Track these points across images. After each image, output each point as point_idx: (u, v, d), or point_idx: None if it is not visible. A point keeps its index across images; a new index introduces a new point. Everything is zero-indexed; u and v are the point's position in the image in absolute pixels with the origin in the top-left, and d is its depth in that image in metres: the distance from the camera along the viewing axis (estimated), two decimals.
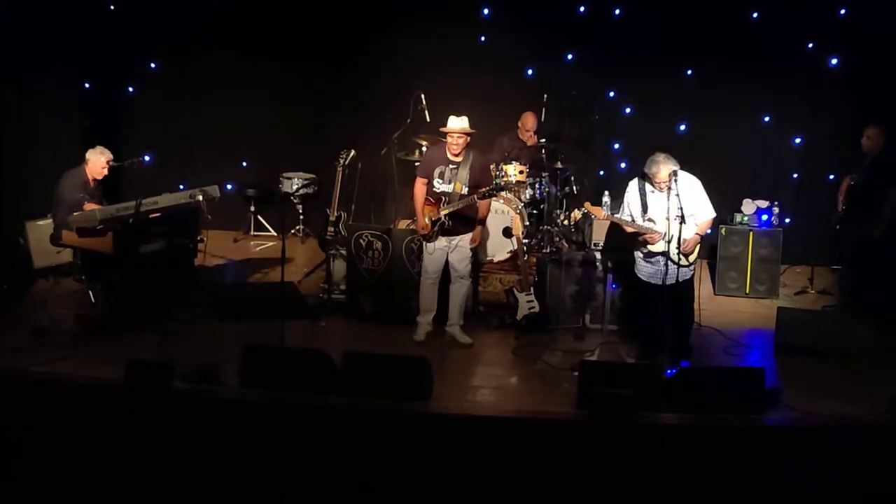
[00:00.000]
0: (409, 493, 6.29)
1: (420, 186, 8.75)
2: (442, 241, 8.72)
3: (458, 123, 8.53)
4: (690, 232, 8.05)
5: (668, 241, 8.07)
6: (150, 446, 6.49)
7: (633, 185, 8.29)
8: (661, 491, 6.35)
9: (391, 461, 6.47)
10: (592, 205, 8.55)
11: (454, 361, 8.58)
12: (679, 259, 8.09)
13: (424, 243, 8.82)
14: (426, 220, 8.65)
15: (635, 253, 8.40)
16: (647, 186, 8.13)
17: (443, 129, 8.61)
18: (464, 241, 8.76)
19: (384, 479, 6.35)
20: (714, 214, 8.35)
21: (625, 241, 8.56)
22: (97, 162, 9.44)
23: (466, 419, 7.23)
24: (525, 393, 8.12)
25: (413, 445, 6.70)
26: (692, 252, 8.14)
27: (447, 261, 8.82)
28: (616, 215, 8.38)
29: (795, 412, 7.36)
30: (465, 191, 8.57)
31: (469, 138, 8.56)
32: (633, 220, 8.21)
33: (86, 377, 7.68)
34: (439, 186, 8.64)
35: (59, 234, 9.32)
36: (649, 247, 8.19)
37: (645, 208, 8.17)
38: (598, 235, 10.41)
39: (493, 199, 10.21)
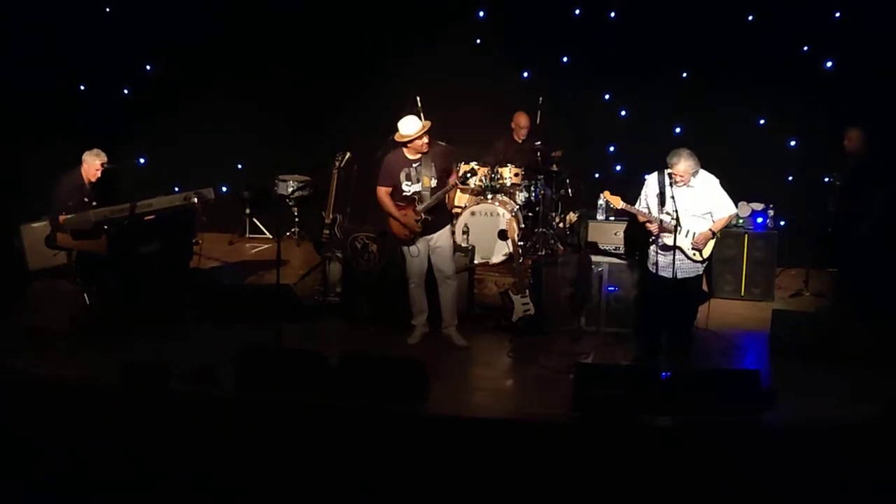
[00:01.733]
0: (405, 495, 6.29)
1: (386, 196, 8.69)
2: (422, 242, 8.72)
3: (414, 126, 8.48)
4: (704, 227, 8.13)
5: (687, 235, 8.13)
6: (147, 447, 6.48)
7: (653, 178, 8.35)
8: (656, 493, 6.35)
9: (387, 463, 6.46)
10: (609, 197, 8.62)
11: (450, 363, 8.58)
12: (693, 255, 8.18)
13: (406, 248, 8.80)
14: (413, 222, 8.63)
15: (650, 246, 8.46)
16: (667, 180, 8.18)
17: (404, 138, 8.51)
18: (441, 240, 8.75)
19: (380, 481, 6.34)
20: (734, 211, 8.49)
21: (641, 235, 8.63)
22: (92, 164, 9.44)
23: (462, 421, 7.22)
24: (521, 395, 8.13)
25: (409, 447, 6.70)
26: (704, 247, 8.18)
27: (430, 263, 8.82)
28: (636, 207, 8.42)
29: (791, 414, 7.37)
30: (433, 183, 8.56)
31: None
32: (650, 212, 8.26)
33: (81, 378, 7.68)
34: (408, 188, 8.62)
35: (54, 236, 9.31)
36: (664, 240, 8.23)
37: (663, 201, 8.22)
38: (594, 237, 10.44)
39: (489, 202, 10.26)
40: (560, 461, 6.57)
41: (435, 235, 8.71)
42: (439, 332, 8.99)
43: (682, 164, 8.05)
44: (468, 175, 8.66)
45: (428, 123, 8.53)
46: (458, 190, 9.90)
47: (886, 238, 9.62)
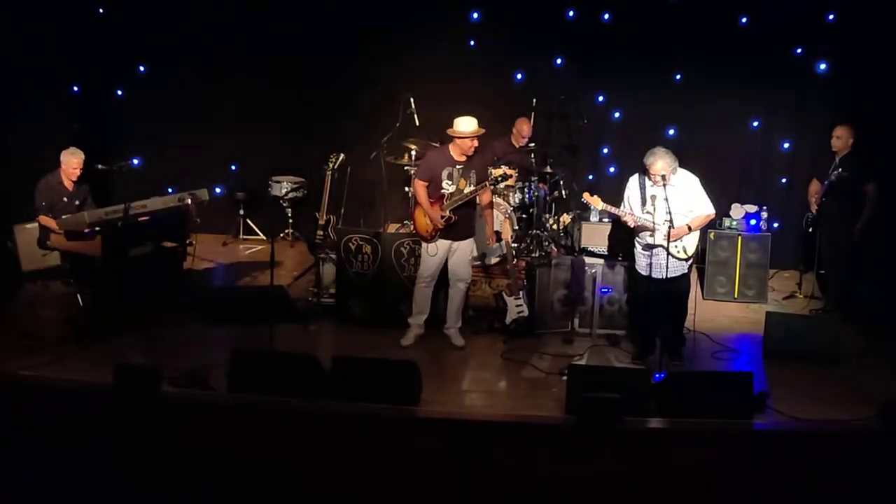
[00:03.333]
0: (398, 496, 6.29)
1: (422, 188, 8.72)
2: (444, 245, 8.72)
3: (470, 126, 8.53)
4: (680, 223, 8.15)
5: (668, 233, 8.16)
6: (138, 450, 6.48)
7: (634, 179, 8.42)
8: (648, 495, 6.36)
9: (379, 464, 6.47)
10: (589, 198, 8.62)
11: (443, 365, 8.57)
12: (678, 252, 8.20)
13: (425, 245, 8.81)
14: (438, 217, 8.63)
15: (635, 247, 8.49)
16: (647, 181, 8.22)
17: (455, 133, 8.56)
18: (463, 245, 8.77)
19: (372, 482, 6.34)
20: (712, 212, 8.47)
21: (626, 236, 8.65)
22: (69, 163, 9.39)
23: (455, 423, 7.24)
24: (514, 397, 8.12)
25: (401, 449, 6.70)
26: (677, 239, 8.18)
27: (445, 265, 8.82)
28: (621, 208, 8.42)
29: (783, 417, 7.39)
30: (469, 189, 8.58)
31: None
32: (632, 212, 8.28)
33: (73, 381, 7.67)
34: (447, 188, 8.65)
35: (46, 237, 9.30)
36: (647, 239, 8.26)
37: (644, 201, 8.25)
38: (588, 239, 10.45)
39: None
40: (553, 462, 6.58)
41: (458, 242, 8.74)
42: (436, 334, 8.99)
43: (660, 162, 8.09)
44: (499, 179, 8.65)
45: (482, 130, 8.56)
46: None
47: (875, 237, 9.66)
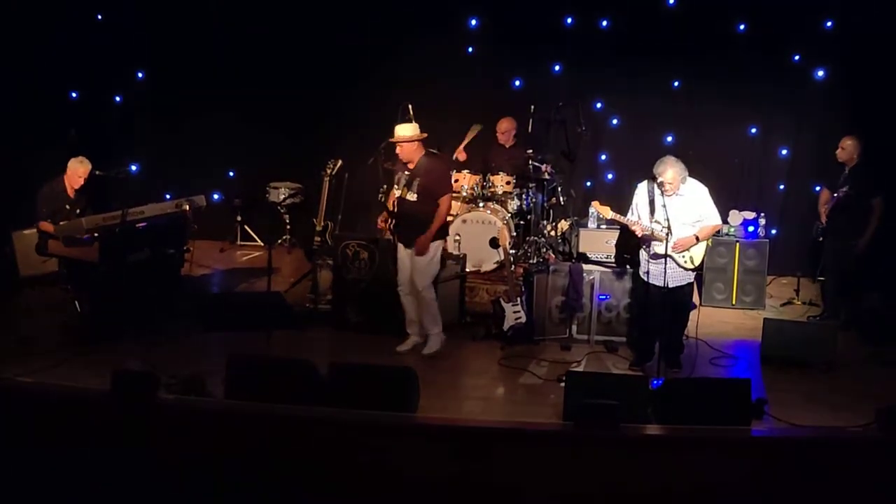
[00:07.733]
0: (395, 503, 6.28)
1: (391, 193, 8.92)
2: (403, 252, 8.75)
3: (399, 132, 8.57)
4: (688, 233, 8.15)
5: (670, 241, 8.16)
6: (135, 457, 6.46)
7: (643, 187, 8.37)
8: (645, 503, 6.35)
9: (376, 472, 6.46)
10: (598, 207, 8.64)
11: (440, 372, 8.56)
12: (685, 262, 8.22)
13: (398, 254, 8.85)
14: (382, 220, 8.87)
15: (640, 254, 8.50)
16: (656, 189, 8.19)
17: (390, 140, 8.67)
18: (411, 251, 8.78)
19: (369, 490, 6.33)
20: (719, 222, 8.53)
21: (632, 243, 8.69)
22: (75, 171, 9.43)
23: (452, 430, 7.22)
24: (511, 404, 8.11)
25: (399, 456, 6.69)
26: (683, 249, 8.18)
27: None
28: (628, 217, 8.42)
29: (781, 423, 7.38)
30: (409, 196, 8.58)
31: (416, 144, 8.56)
32: (640, 221, 8.27)
33: (71, 387, 7.65)
34: (396, 192, 8.72)
35: (44, 244, 9.30)
36: (654, 248, 8.25)
37: (653, 210, 8.23)
38: (585, 246, 10.44)
39: (481, 210, 10.25)
40: (549, 470, 6.56)
41: (407, 248, 8.74)
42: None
43: (670, 171, 8.07)
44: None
45: (410, 136, 8.52)
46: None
47: (880, 247, 9.65)
